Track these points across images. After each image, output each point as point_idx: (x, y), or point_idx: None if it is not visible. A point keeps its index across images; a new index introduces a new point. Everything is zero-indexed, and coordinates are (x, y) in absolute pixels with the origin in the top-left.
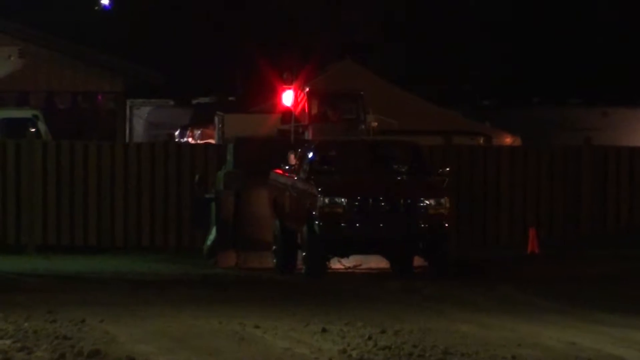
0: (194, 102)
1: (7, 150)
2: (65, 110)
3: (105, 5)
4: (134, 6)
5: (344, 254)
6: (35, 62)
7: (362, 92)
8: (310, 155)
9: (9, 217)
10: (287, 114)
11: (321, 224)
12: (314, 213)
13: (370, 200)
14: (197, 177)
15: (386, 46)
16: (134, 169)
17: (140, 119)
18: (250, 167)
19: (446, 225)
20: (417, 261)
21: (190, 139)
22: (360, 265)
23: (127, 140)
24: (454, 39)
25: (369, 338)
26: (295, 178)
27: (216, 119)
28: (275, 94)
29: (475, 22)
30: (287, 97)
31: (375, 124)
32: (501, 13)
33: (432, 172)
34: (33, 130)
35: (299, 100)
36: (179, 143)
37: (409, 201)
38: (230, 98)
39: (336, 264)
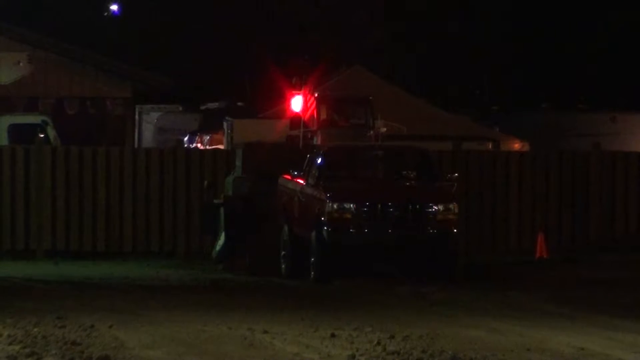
0: (203, 107)
1: (16, 156)
2: (74, 115)
3: (114, 11)
4: (142, 12)
5: (353, 260)
6: (44, 67)
7: (370, 98)
8: (319, 160)
9: (18, 223)
10: (296, 119)
11: (330, 229)
12: (322, 218)
13: (379, 206)
14: (206, 182)
15: (395, 51)
16: (143, 174)
17: (149, 124)
18: (259, 173)
19: (455, 230)
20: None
21: (199, 145)
22: None
23: (135, 145)
24: (464, 44)
25: (378, 343)
26: (304, 184)
27: (225, 125)
28: (284, 100)
29: (485, 28)
30: (296, 103)
31: (384, 129)
32: (511, 19)
33: (441, 178)
34: (42, 135)
35: (308, 105)
36: (188, 148)
37: (417, 207)
38: (239, 104)
39: None
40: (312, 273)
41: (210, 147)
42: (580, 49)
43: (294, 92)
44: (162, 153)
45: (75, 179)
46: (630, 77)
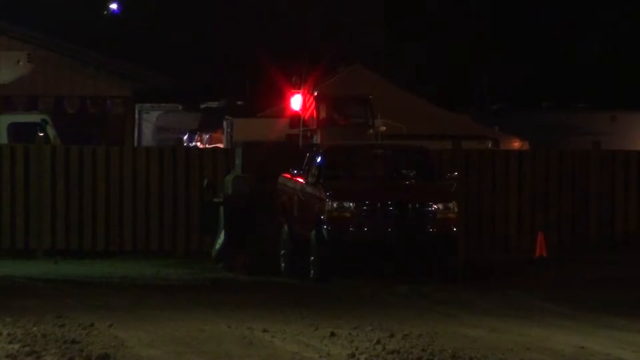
0: (203, 106)
1: (16, 155)
2: (74, 114)
3: (114, 10)
4: (142, 11)
5: (353, 259)
6: (44, 66)
7: (370, 97)
8: (319, 159)
9: (17, 222)
10: (295, 118)
11: (330, 228)
12: (322, 217)
13: (379, 205)
14: (205, 181)
15: (395, 50)
16: (143, 173)
17: (149, 123)
18: (258, 172)
19: (455, 229)
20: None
21: (198, 144)
22: None
23: (135, 144)
24: (464, 43)
25: (378, 342)
26: (304, 182)
27: (225, 124)
28: (283, 99)
29: (485, 27)
30: (296, 102)
31: (383, 128)
32: (510, 18)
33: (441, 177)
34: (42, 134)
35: (307, 104)
36: (188, 147)
37: (417, 206)
38: (239, 102)
39: None
40: (312, 272)
41: (210, 146)
42: (580, 48)
43: (293, 91)
44: (162, 152)
45: (75, 178)
46: (630, 77)
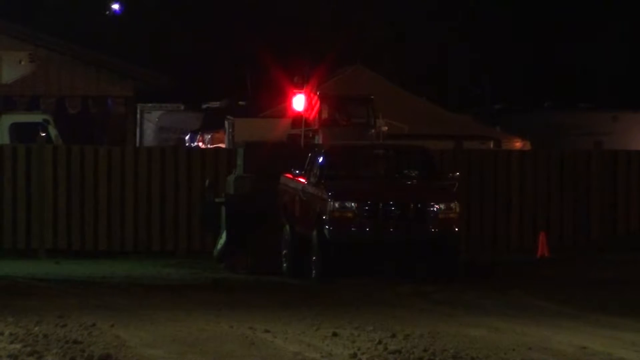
0: (204, 106)
1: (18, 155)
2: (75, 114)
3: (115, 10)
4: (144, 11)
5: (354, 259)
6: (46, 66)
7: (372, 97)
8: (321, 159)
9: (19, 222)
10: (297, 118)
11: (331, 228)
12: (324, 217)
13: (381, 205)
14: (207, 181)
15: (397, 50)
16: (144, 173)
17: (150, 123)
18: (260, 172)
19: (456, 229)
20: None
21: (200, 144)
22: None
23: (137, 144)
24: (466, 43)
25: (379, 342)
26: (306, 182)
27: (226, 124)
28: (286, 99)
29: (486, 27)
30: (298, 102)
31: (385, 128)
32: (512, 17)
33: (442, 177)
34: (43, 134)
35: (312, 104)
36: (189, 147)
37: (419, 205)
38: (241, 102)
39: None
40: (314, 272)
41: (211, 146)
42: (582, 47)
43: (295, 90)
44: (164, 152)
45: (77, 178)
46: (632, 76)
